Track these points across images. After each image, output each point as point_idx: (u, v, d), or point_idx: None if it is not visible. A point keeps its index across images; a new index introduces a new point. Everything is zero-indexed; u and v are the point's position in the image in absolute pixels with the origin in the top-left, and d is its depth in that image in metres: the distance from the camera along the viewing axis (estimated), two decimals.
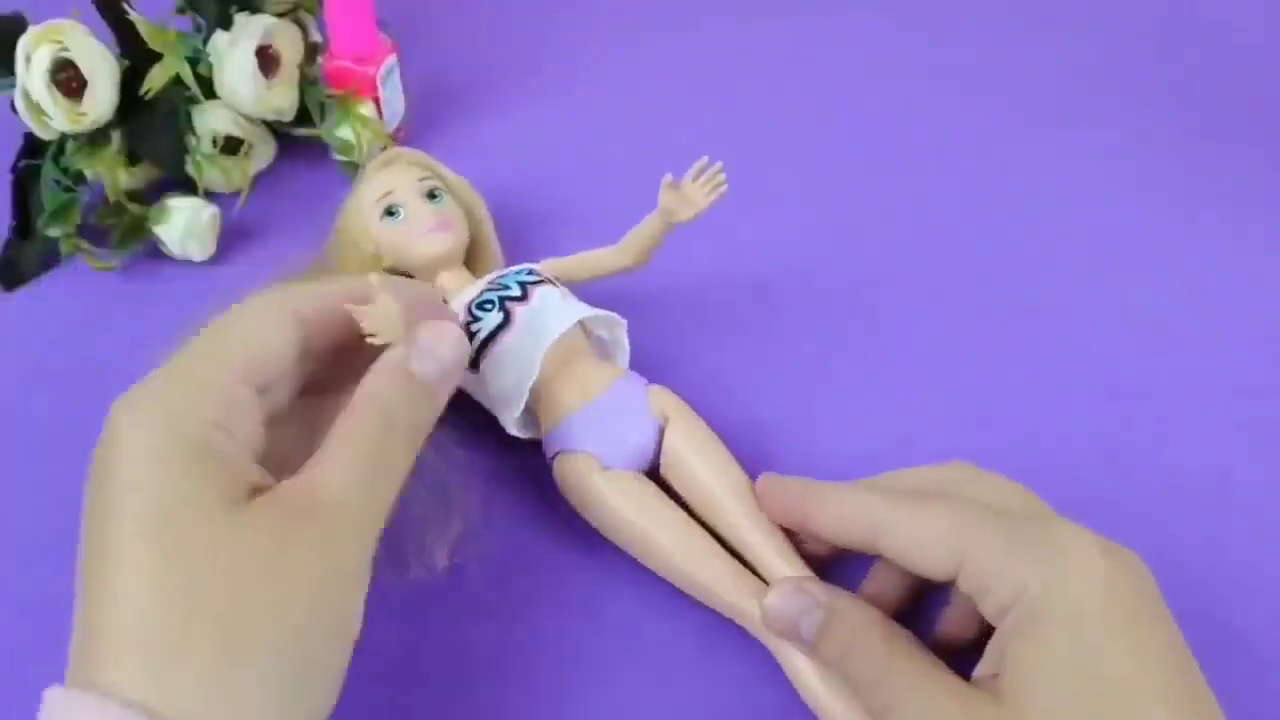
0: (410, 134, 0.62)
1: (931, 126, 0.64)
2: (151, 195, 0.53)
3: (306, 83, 0.57)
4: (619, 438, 0.39)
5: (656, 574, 0.38)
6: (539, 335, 0.40)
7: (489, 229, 0.49)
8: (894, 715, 0.29)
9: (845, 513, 0.33)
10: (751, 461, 0.44)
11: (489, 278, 0.44)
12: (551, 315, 0.41)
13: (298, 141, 0.58)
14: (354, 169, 0.57)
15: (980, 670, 0.30)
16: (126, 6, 0.51)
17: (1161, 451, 0.45)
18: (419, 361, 0.32)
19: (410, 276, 0.45)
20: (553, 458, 0.40)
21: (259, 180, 0.57)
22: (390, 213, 0.45)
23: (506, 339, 0.41)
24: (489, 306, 0.41)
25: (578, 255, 0.46)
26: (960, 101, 0.66)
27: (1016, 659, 0.27)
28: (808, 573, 0.36)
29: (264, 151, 0.57)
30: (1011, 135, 0.63)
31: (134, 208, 0.51)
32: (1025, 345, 0.49)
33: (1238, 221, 0.57)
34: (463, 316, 0.42)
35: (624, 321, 0.44)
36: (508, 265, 0.47)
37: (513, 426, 0.41)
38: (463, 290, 0.44)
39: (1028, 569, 0.28)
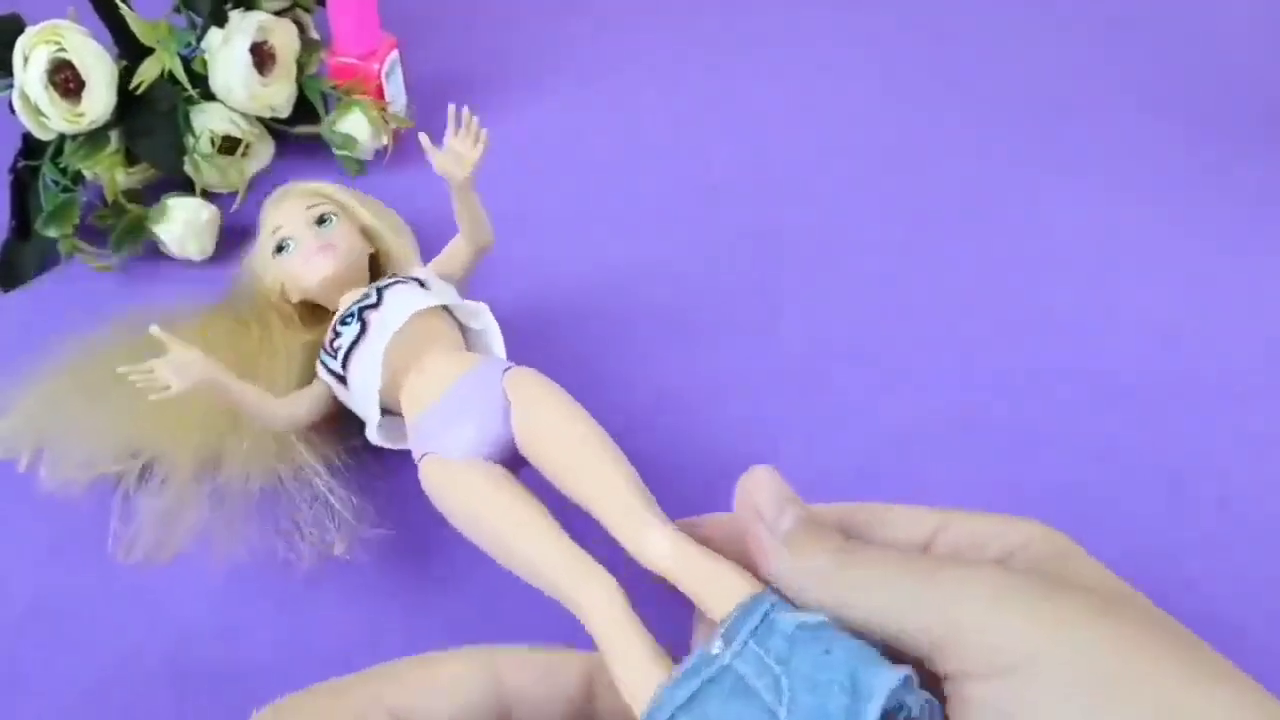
0: (412, 129, 0.61)
1: (931, 126, 0.64)
2: (151, 195, 0.53)
3: (306, 77, 0.57)
4: (458, 434, 0.35)
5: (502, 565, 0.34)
6: (381, 335, 0.39)
7: (401, 241, 0.47)
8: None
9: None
10: (752, 461, 0.44)
11: (365, 290, 0.42)
12: (392, 312, 0.39)
13: (297, 141, 0.58)
14: (356, 165, 0.57)
15: None
16: (120, 3, 0.51)
17: (1160, 452, 0.45)
18: None
19: (320, 305, 0.44)
20: (419, 463, 0.37)
21: (258, 180, 0.57)
22: (281, 248, 0.44)
23: (361, 347, 0.39)
24: (350, 320, 0.40)
25: (444, 249, 0.44)
26: (960, 102, 0.66)
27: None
28: (670, 532, 0.29)
29: (263, 151, 0.57)
30: (1011, 135, 0.63)
31: (133, 208, 0.51)
32: (1026, 345, 0.49)
33: (1238, 222, 0.57)
34: (329, 336, 0.41)
35: (484, 306, 0.41)
36: (477, 267, 0.45)
37: (375, 436, 0.39)
38: None
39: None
